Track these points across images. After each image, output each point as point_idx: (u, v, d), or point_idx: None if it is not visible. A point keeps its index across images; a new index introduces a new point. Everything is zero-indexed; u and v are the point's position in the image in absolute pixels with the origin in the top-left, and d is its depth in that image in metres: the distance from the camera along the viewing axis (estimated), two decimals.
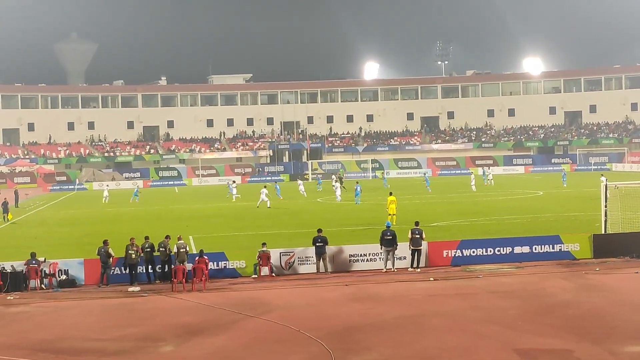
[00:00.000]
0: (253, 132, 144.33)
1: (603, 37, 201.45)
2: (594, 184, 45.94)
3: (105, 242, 34.44)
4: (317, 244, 35.50)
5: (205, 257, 33.53)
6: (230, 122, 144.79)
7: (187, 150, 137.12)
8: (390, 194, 56.05)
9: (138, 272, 34.38)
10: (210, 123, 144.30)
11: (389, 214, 51.34)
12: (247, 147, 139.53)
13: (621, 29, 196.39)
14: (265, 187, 72.87)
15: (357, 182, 79.64)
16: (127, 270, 34.39)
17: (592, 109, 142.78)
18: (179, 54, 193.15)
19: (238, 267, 35.47)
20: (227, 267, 35.44)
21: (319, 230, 36.15)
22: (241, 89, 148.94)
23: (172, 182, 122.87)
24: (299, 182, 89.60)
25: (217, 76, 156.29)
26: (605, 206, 39.60)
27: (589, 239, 37.73)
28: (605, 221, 39.50)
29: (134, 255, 34.18)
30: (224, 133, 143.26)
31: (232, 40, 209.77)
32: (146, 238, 35.27)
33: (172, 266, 33.54)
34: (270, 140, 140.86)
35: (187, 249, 34.93)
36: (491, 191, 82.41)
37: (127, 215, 67.94)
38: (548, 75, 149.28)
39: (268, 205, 69.19)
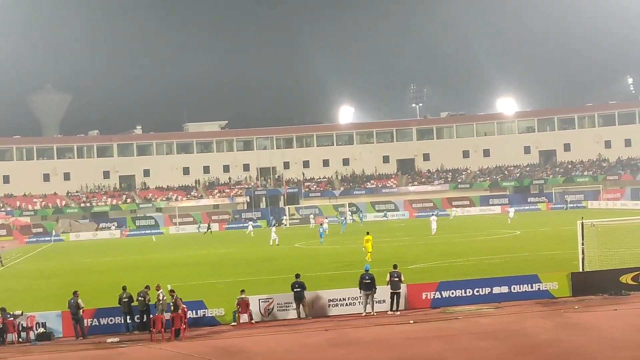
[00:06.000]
0: (229, 178, 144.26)
1: (575, 76, 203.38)
2: (571, 222, 46.07)
3: (75, 294, 34.10)
4: (295, 289, 35.41)
5: (184, 306, 33.34)
6: (206, 170, 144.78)
7: (164, 198, 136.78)
8: (367, 233, 58.16)
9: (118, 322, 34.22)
10: (186, 171, 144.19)
11: (367, 252, 54.41)
12: (224, 194, 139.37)
13: (592, 68, 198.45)
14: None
15: (321, 224, 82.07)
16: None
17: (567, 147, 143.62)
18: (154, 103, 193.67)
19: (217, 315, 35.26)
20: (206, 315, 35.22)
21: (297, 276, 36.10)
22: (217, 136, 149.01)
23: (149, 231, 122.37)
24: (273, 228, 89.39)
25: (192, 124, 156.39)
26: (582, 244, 39.72)
27: (567, 277, 37.80)
28: (583, 259, 39.59)
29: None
30: (199, 181, 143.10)
31: (207, 87, 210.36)
32: (124, 288, 35.03)
33: (151, 316, 33.32)
34: (247, 186, 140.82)
35: (166, 298, 34.74)
36: (455, 232, 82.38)
37: (105, 266, 67.54)
38: (522, 115, 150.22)
39: (277, 243, 74.48)
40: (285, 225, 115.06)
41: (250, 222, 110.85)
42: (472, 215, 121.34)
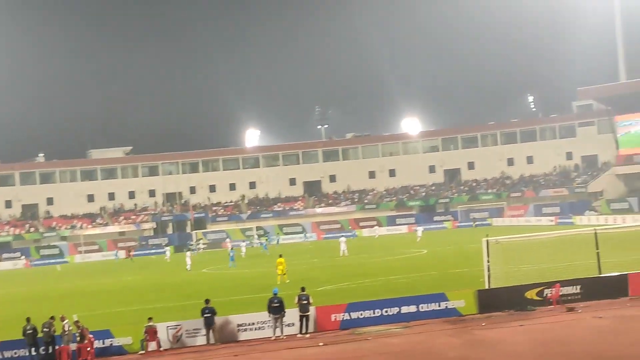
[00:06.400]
0: (135, 205, 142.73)
1: (477, 95, 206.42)
2: (476, 240, 46.64)
3: None
4: (206, 315, 35.15)
5: (91, 336, 32.80)
6: (111, 196, 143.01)
7: (69, 226, 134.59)
8: (280, 255, 59.67)
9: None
10: (91, 198, 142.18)
11: (279, 274, 56.35)
12: (130, 220, 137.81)
13: (494, 87, 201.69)
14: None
15: (232, 248, 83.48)
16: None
17: (470, 165, 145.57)
18: (57, 130, 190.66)
19: (124, 344, 34.78)
20: (113, 344, 34.70)
21: (207, 301, 35.83)
22: (121, 162, 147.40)
23: (54, 261, 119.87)
24: (187, 253, 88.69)
25: (96, 150, 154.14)
26: (488, 261, 40.23)
27: (473, 294, 38.23)
28: (489, 276, 40.10)
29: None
30: (105, 208, 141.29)
31: (110, 113, 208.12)
32: (28, 320, 34.28)
33: (57, 347, 32.69)
34: (153, 212, 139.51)
35: (72, 328, 34.11)
36: (363, 253, 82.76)
37: (8, 297, 66.17)
38: (426, 134, 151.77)
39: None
40: (200, 249, 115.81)
41: (168, 248, 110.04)
42: (379, 236, 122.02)
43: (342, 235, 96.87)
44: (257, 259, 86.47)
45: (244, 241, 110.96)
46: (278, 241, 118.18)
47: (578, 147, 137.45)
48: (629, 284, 39.61)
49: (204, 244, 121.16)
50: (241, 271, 72.22)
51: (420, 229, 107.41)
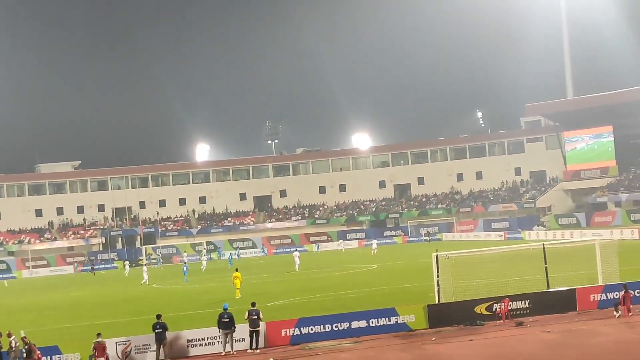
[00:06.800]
0: (84, 219, 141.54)
1: (427, 111, 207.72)
2: (426, 255, 46.86)
3: None
4: (157, 330, 34.89)
5: (39, 352, 32.43)
6: (60, 211, 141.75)
7: (16, 241, 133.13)
8: (236, 270, 60.08)
9: None
10: (39, 212, 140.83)
11: (236, 288, 56.96)
12: (79, 235, 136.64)
13: (444, 103, 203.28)
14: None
15: (185, 262, 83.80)
16: None
17: (420, 180, 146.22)
18: (4, 144, 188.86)
19: None
20: None
21: (158, 316, 35.57)
22: (70, 176, 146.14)
23: (1, 276, 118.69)
24: (144, 267, 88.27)
25: (44, 164, 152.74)
26: (438, 276, 40.42)
27: (423, 309, 38.36)
28: (439, 291, 40.29)
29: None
30: (53, 222, 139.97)
31: (58, 127, 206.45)
32: None
33: None
34: (102, 227, 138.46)
35: (19, 344, 33.71)
36: (314, 268, 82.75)
37: None
38: (376, 150, 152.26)
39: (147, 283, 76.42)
40: (160, 263, 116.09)
41: (127, 262, 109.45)
42: (330, 251, 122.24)
43: (297, 250, 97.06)
44: (210, 274, 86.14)
45: (205, 255, 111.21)
46: (239, 255, 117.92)
47: (526, 163, 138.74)
48: (577, 299, 39.99)
49: (153, 259, 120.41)
50: (191, 286, 71.89)
51: (374, 242, 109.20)
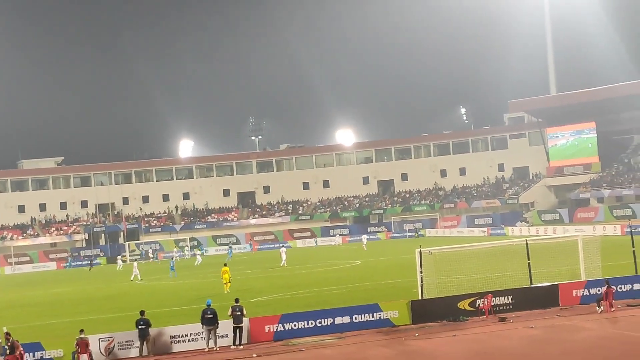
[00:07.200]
0: (67, 216, 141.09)
1: (411, 107, 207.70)
2: (410, 250, 46.94)
3: None
4: (140, 327, 34.86)
5: (22, 349, 32.35)
6: (42, 207, 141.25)
7: None
8: (225, 264, 61.49)
9: None
10: (21, 209, 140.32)
11: (224, 283, 57.74)
12: (62, 231, 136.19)
13: (427, 99, 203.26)
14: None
15: (172, 258, 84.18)
16: None
17: (404, 177, 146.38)
18: None
19: (55, 357, 34.31)
20: (44, 357, 34.21)
21: (142, 313, 35.54)
22: (53, 172, 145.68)
23: None
24: (135, 263, 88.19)
25: (27, 160, 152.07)
26: (421, 272, 40.48)
27: (407, 305, 38.42)
28: (422, 287, 40.34)
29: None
30: (36, 219, 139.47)
31: (41, 123, 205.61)
32: None
33: None
34: (85, 223, 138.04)
35: (1, 341, 33.61)
36: (298, 264, 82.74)
37: None
38: (360, 146, 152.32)
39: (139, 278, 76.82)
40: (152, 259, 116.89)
41: (120, 257, 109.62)
42: (313, 247, 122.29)
43: (283, 246, 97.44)
44: (190, 271, 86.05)
45: (200, 250, 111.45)
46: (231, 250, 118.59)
47: (510, 159, 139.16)
48: (560, 294, 40.15)
49: (151, 255, 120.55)
50: (174, 283, 71.80)
51: (365, 237, 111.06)
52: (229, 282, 58.04)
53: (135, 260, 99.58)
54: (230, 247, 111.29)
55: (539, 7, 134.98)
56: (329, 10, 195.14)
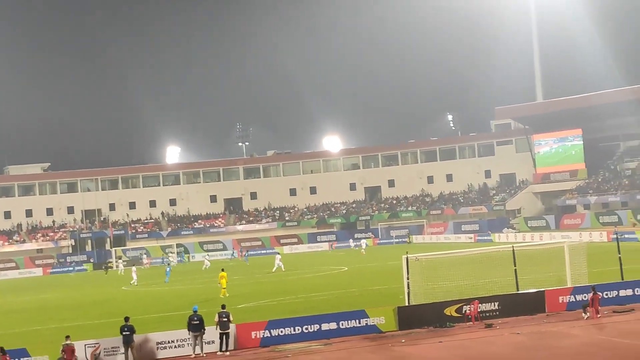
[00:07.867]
0: (53, 222, 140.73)
1: (398, 114, 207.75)
2: (396, 257, 46.95)
3: None
4: (124, 333, 34.73)
5: (6, 355, 32.21)
6: (29, 213, 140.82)
7: None
8: (222, 270, 61.05)
9: None
10: (7, 215, 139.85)
11: (222, 288, 58.31)
12: (48, 237, 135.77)
13: (414, 106, 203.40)
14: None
15: (168, 264, 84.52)
16: None
17: (391, 183, 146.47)
18: None
19: None
20: None
21: (126, 319, 35.38)
22: (39, 178, 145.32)
23: None
24: (133, 267, 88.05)
25: (13, 166, 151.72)
26: (408, 278, 40.48)
27: (393, 311, 38.40)
28: (409, 293, 40.32)
29: None
30: (22, 225, 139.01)
31: (28, 129, 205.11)
32: None
33: None
34: (71, 229, 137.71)
35: None
36: (285, 270, 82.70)
37: None
38: (347, 152, 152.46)
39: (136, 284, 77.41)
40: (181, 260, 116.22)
41: (120, 261, 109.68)
42: (300, 253, 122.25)
43: (277, 253, 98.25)
44: (175, 277, 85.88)
45: (206, 255, 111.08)
46: (233, 254, 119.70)
47: (496, 166, 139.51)
48: (546, 301, 40.19)
49: (173, 257, 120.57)
50: (160, 289, 71.64)
51: (364, 241, 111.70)
52: (225, 287, 58.51)
53: (134, 265, 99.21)
54: (234, 251, 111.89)
55: (525, 15, 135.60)
56: (316, 16, 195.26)
